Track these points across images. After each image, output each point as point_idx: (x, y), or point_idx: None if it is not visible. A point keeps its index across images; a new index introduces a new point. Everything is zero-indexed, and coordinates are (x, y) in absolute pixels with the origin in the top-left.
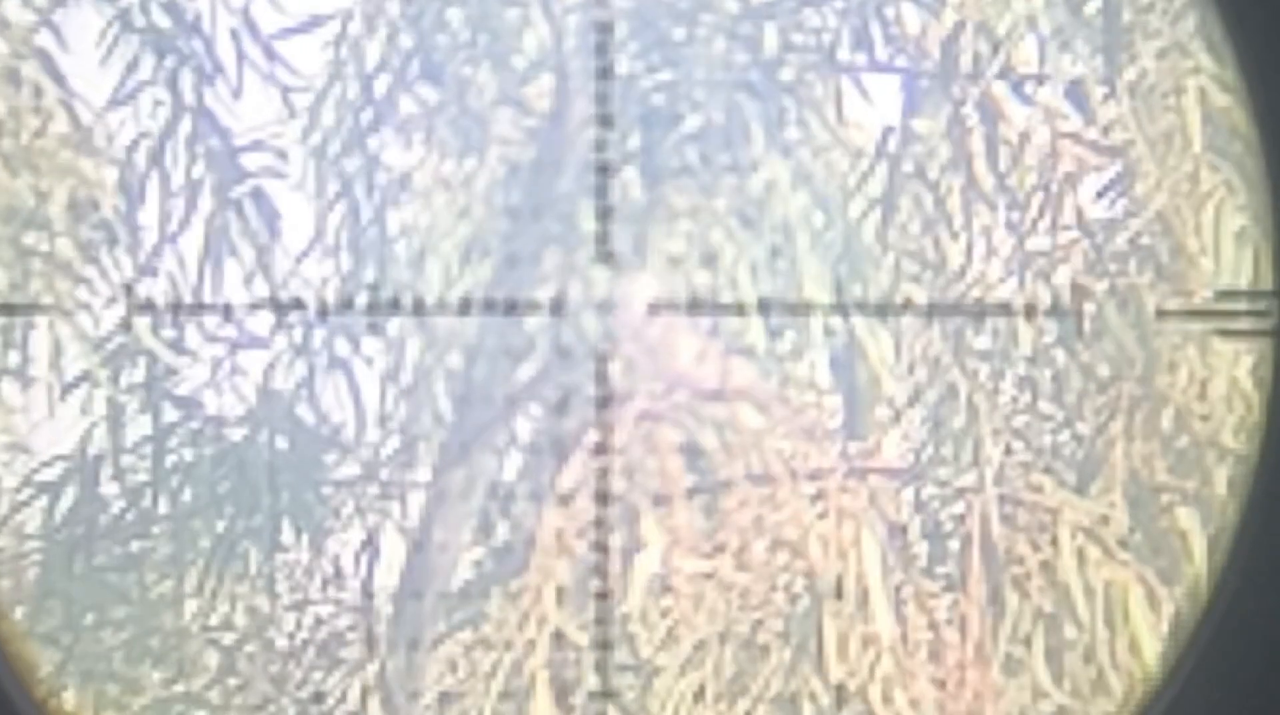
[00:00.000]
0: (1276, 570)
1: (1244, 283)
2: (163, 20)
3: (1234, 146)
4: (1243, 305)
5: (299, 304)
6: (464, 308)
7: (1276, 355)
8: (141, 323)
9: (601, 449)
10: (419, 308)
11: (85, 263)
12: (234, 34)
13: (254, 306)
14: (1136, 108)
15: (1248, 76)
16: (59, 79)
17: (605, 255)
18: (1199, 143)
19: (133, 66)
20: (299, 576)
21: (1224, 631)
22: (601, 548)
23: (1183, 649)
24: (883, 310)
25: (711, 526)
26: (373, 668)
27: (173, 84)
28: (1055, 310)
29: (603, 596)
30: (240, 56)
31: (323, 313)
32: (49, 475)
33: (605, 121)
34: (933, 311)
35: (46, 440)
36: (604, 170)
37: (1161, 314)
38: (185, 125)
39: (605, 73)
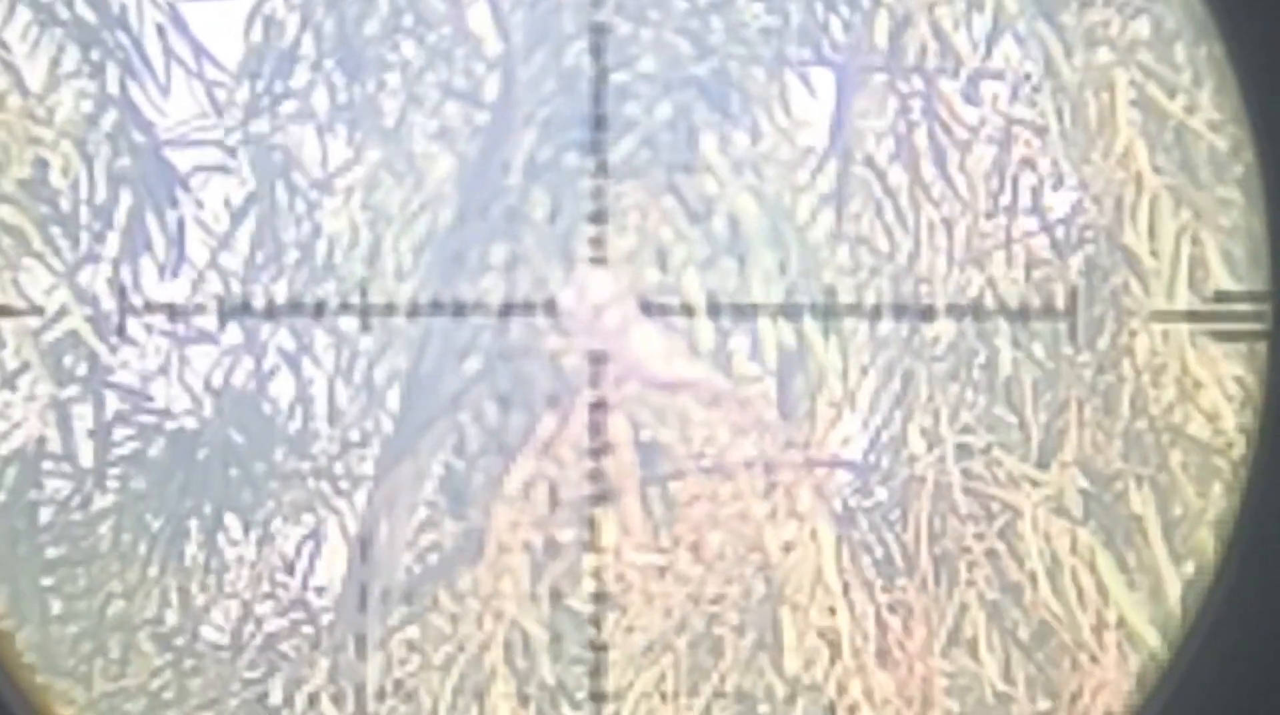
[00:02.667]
0: (1271, 572)
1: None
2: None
3: (1175, 147)
4: (1237, 307)
5: (247, 306)
6: (412, 309)
7: (1271, 357)
8: (83, 314)
9: (555, 443)
10: (368, 310)
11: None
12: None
13: (200, 305)
14: (1074, 100)
15: (1243, 82)
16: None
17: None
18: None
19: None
20: (246, 570)
21: (1217, 638)
22: (555, 542)
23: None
24: (835, 308)
25: (665, 520)
26: (321, 661)
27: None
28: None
29: (557, 593)
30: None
31: (270, 312)
32: None
33: (600, 123)
34: (894, 312)
35: None
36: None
37: (1156, 315)
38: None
39: (601, 75)
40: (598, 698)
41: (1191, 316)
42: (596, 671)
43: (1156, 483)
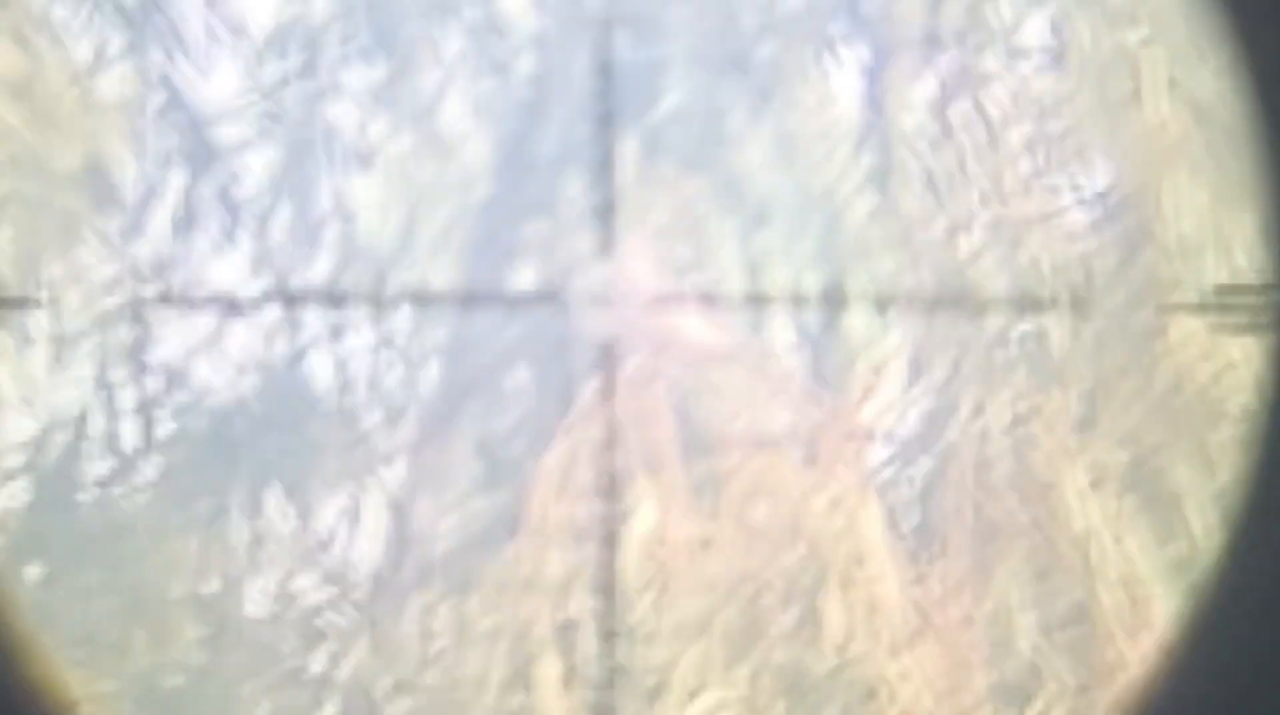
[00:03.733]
0: (1274, 561)
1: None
2: None
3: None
4: (1243, 299)
5: (285, 283)
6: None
7: (1277, 348)
8: (127, 290)
9: (597, 412)
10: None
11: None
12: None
13: (242, 287)
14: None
15: (1246, 78)
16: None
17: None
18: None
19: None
20: (286, 543)
21: (1216, 634)
22: (595, 517)
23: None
24: (876, 292)
25: (708, 494)
26: (360, 634)
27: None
28: (1053, 303)
29: (603, 564)
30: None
31: (306, 290)
32: (38, 438)
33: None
34: (934, 302)
35: (38, 403)
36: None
37: (1162, 308)
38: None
39: (606, 68)
40: (641, 672)
41: (1202, 309)
42: (639, 645)
43: (1196, 457)
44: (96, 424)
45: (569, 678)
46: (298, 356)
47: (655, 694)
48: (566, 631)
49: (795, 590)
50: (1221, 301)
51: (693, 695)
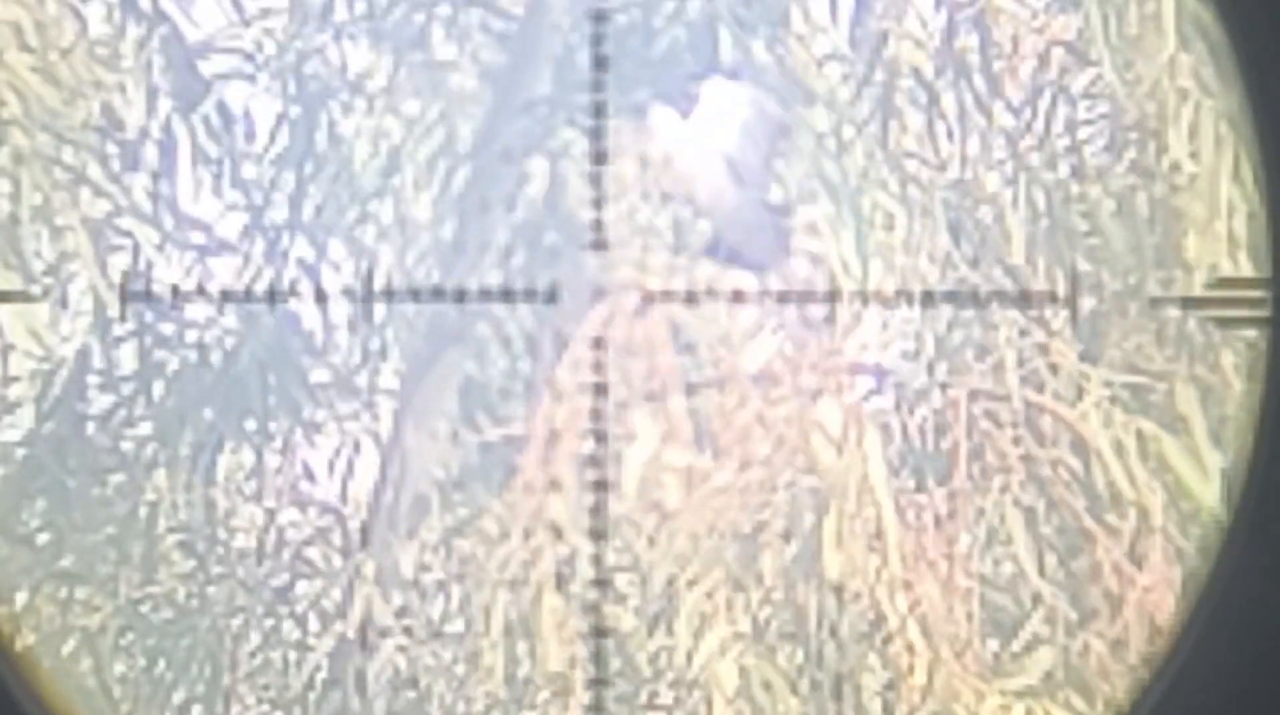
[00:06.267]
0: (1272, 560)
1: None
2: None
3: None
4: (1238, 293)
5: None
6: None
7: (1272, 343)
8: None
9: (596, 343)
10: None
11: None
12: None
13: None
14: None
15: (1245, 70)
16: None
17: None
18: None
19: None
20: (275, 477)
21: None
22: (599, 438)
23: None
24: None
25: (709, 426)
26: (354, 563)
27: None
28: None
29: (599, 487)
30: None
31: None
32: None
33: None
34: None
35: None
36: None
37: (1155, 302)
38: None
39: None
40: (643, 606)
41: (1186, 303)
42: (642, 582)
43: (1204, 382)
44: (92, 359)
45: (565, 618)
46: (287, 292)
47: (654, 633)
48: (563, 572)
49: (795, 525)
50: (1219, 295)
51: (695, 635)
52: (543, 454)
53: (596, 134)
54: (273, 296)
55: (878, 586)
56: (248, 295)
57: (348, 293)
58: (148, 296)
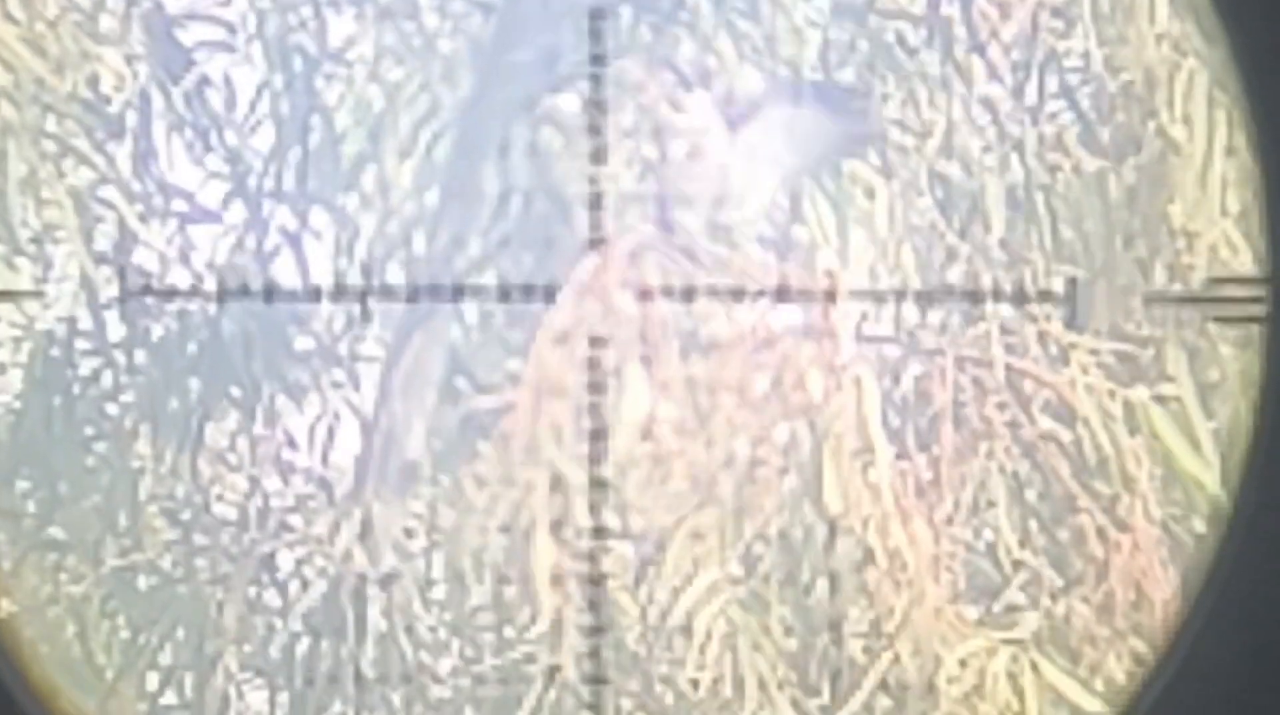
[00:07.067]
0: (1272, 553)
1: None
2: None
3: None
4: (1235, 291)
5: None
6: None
7: (1269, 341)
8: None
9: (592, 287)
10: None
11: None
12: None
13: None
14: None
15: (1243, 64)
16: None
17: None
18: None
19: None
20: (258, 445)
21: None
22: (595, 385)
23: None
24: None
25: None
26: (337, 532)
27: None
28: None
29: (596, 433)
30: None
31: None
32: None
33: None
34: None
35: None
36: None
37: (1150, 299)
38: None
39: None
40: (638, 539)
41: (1185, 301)
42: (633, 514)
43: (1193, 347)
44: (77, 327)
45: (562, 544)
46: (270, 257)
47: (648, 578)
48: (562, 498)
49: (790, 465)
50: (1215, 293)
51: (688, 578)
52: (535, 404)
53: (595, 109)
54: (257, 263)
55: (868, 525)
56: (231, 264)
57: (331, 260)
58: (132, 267)
